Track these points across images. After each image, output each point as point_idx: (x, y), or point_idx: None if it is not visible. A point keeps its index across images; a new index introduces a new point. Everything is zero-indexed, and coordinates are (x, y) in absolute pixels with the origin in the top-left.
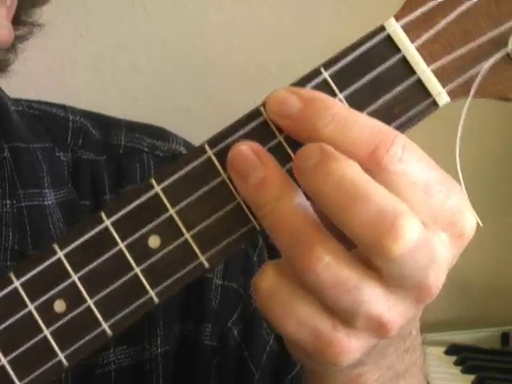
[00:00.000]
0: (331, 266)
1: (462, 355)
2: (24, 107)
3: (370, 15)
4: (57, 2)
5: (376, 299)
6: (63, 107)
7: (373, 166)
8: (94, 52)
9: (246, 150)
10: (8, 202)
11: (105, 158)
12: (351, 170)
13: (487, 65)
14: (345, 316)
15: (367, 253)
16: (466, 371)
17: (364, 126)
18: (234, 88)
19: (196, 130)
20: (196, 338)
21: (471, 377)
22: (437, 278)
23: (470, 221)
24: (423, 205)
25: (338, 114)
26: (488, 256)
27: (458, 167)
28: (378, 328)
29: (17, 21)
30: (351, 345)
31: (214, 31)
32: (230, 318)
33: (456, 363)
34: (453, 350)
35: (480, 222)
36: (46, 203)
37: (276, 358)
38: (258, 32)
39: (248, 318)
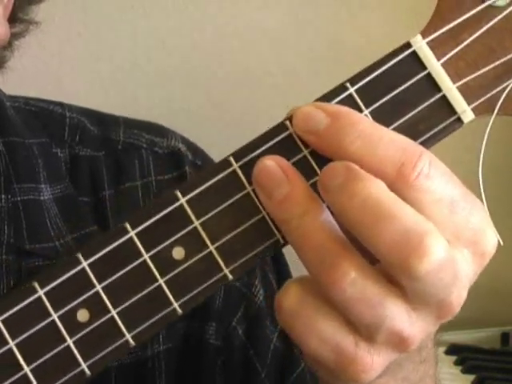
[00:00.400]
0: (357, 282)
1: (462, 355)
2: (20, 103)
3: (369, 17)
4: (54, 0)
5: (399, 315)
6: (60, 104)
7: (400, 183)
8: (92, 51)
9: (272, 165)
10: (3, 196)
11: (103, 153)
12: (377, 189)
13: None
14: (367, 332)
15: (393, 271)
16: (466, 371)
17: (390, 142)
18: (234, 88)
19: (196, 130)
20: (201, 336)
21: (471, 377)
22: (459, 296)
23: (491, 239)
24: (448, 222)
25: (364, 130)
26: None
27: (481, 185)
28: (398, 343)
29: (13, 18)
30: (373, 362)
31: (214, 32)
32: (233, 317)
33: (456, 363)
34: (453, 349)
35: (501, 240)
36: (42, 198)
37: (280, 356)
38: (258, 32)
39: (251, 316)
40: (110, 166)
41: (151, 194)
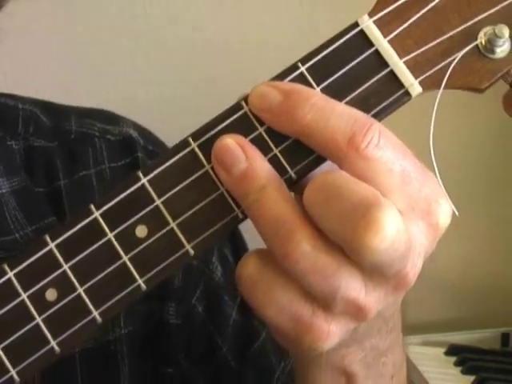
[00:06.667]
0: (309, 254)
1: (462, 356)
2: None
3: None
4: (56, 1)
5: (353, 285)
6: (12, 96)
7: (351, 153)
8: (92, 51)
9: (231, 142)
10: None
11: (56, 143)
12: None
13: (458, 57)
14: (324, 301)
15: (346, 248)
16: (465, 372)
17: (341, 114)
18: (234, 88)
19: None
20: (162, 316)
21: (471, 377)
22: (414, 266)
23: (444, 209)
24: (401, 192)
25: (317, 103)
26: (488, 257)
27: (433, 158)
28: (355, 312)
29: None
30: (330, 330)
31: (214, 32)
32: (193, 295)
33: (456, 364)
34: (453, 350)
35: (456, 211)
36: None
37: (240, 329)
38: (258, 32)
39: (210, 293)
40: (64, 155)
41: (105, 182)
